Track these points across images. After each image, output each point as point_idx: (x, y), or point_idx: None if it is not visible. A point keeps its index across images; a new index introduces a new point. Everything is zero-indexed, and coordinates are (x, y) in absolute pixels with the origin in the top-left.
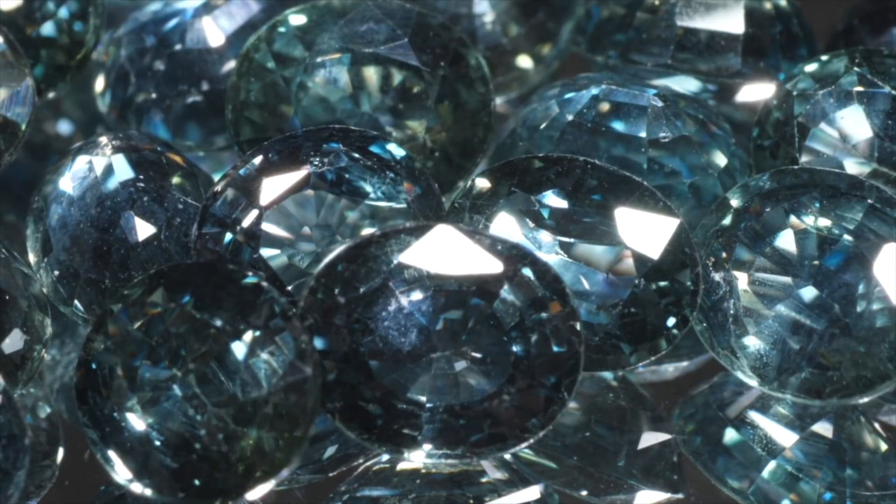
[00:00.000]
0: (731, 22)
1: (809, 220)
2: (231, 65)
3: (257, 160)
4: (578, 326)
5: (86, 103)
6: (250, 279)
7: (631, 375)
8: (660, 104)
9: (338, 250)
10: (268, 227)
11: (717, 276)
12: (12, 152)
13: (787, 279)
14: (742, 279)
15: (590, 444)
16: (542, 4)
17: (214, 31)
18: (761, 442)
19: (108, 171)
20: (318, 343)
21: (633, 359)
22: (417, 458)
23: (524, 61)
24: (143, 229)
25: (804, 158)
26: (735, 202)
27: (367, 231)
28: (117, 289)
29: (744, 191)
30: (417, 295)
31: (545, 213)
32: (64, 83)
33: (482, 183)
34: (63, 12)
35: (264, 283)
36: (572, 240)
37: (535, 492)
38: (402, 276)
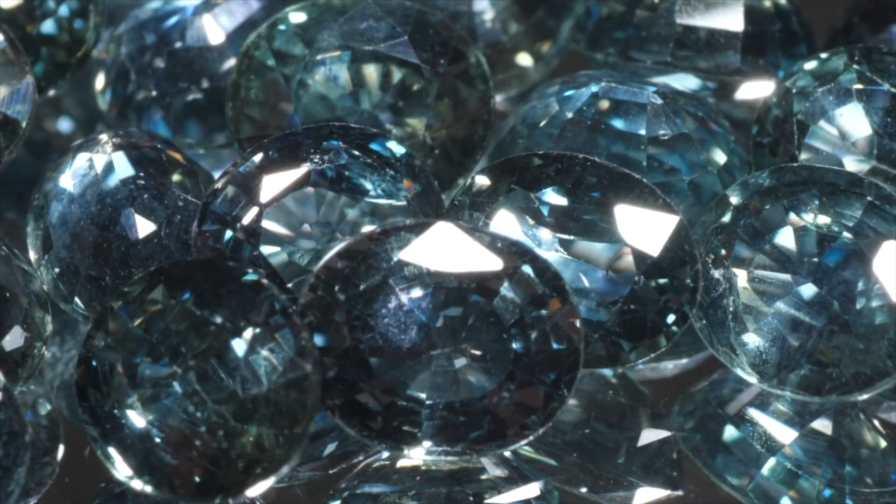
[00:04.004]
0: (731, 19)
1: (809, 218)
2: (231, 62)
3: (257, 158)
4: (578, 323)
5: (86, 101)
6: (250, 276)
7: (630, 372)
8: (659, 102)
9: (338, 247)
10: (268, 224)
11: (717, 274)
12: (13, 150)
13: (787, 276)
14: (741, 276)
15: (589, 441)
16: (542, 2)
17: (214, 29)
18: (761, 439)
19: (109, 168)
20: (319, 340)
21: (633, 356)
22: (417, 455)
23: (524, 59)
24: (144, 226)
25: (803, 156)
26: (734, 199)
27: (367, 228)
28: (117, 286)
29: (743, 188)
30: (417, 292)
31: (545, 211)
32: (64, 81)
33: (482, 180)
34: (63, 10)
35: (264, 281)
36: (572, 237)
37: (534, 489)
38: (402, 273)
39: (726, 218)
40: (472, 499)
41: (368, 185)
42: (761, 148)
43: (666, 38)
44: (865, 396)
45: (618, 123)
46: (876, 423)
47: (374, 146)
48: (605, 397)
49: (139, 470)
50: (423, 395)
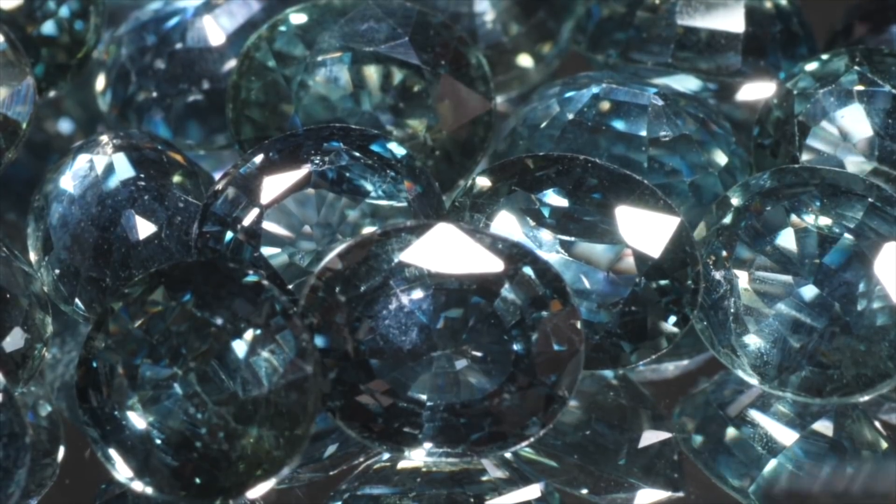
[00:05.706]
0: (732, 21)
1: (810, 219)
2: (232, 63)
3: (258, 159)
4: (579, 325)
5: (86, 102)
6: (251, 278)
7: (631, 374)
8: (660, 103)
9: (338, 249)
10: (268, 225)
11: (718, 275)
12: (13, 151)
13: (788, 278)
14: (742, 278)
15: (590, 443)
16: (543, 3)
17: (215, 30)
18: (762, 440)
19: (109, 169)
20: (319, 341)
21: (634, 357)
22: (418, 457)
23: (525, 60)
24: (144, 228)
25: (805, 157)
26: (735, 201)
27: (368, 230)
28: (118, 287)
29: (744, 189)
30: (418, 293)
31: (546, 212)
32: (65, 82)
33: (483, 182)
34: (64, 11)
35: (265, 282)
36: (573, 238)
37: (535, 490)
38: (402, 274)
39: (727, 219)
40: (472, 500)
41: (369, 187)
42: (762, 149)
43: (667, 40)
44: (866, 398)
45: (618, 125)
46: (877, 424)
47: (374, 147)
48: (606, 399)
49: (140, 471)
50: (423, 397)
